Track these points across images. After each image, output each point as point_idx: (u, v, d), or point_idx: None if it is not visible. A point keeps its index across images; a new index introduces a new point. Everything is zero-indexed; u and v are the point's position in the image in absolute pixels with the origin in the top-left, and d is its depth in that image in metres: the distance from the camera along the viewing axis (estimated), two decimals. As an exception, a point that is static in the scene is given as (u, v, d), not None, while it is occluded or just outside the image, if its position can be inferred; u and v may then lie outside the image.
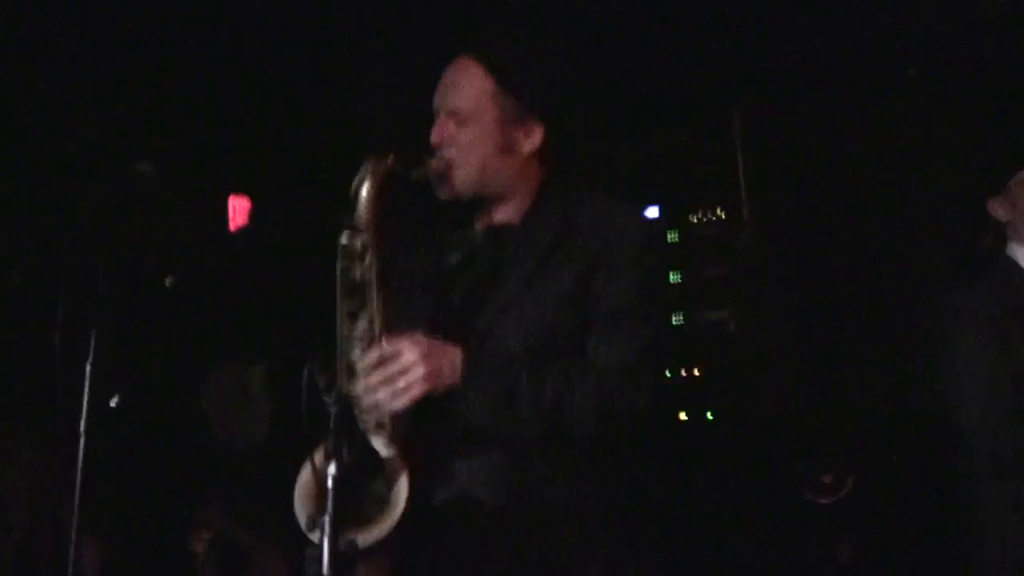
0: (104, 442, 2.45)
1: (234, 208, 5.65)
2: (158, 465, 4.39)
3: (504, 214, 2.59)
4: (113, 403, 2.81)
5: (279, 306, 5.72)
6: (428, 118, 2.59)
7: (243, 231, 5.68)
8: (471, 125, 2.51)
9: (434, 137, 2.54)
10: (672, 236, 4.79)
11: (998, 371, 3.05)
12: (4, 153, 4.56)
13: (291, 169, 5.40)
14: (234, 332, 5.70)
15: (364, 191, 2.39)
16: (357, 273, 2.38)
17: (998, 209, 3.19)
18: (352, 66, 4.55)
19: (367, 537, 2.20)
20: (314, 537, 2.00)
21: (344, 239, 2.39)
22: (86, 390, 2.38)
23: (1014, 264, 3.17)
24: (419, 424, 2.41)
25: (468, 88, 2.52)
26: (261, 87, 4.74)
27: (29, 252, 4.80)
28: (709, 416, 4.68)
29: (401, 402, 2.30)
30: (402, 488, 2.26)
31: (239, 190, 5.65)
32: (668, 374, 4.70)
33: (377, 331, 2.37)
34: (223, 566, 4.01)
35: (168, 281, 5.65)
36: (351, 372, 2.38)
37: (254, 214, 5.67)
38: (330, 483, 2.00)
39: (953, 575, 3.34)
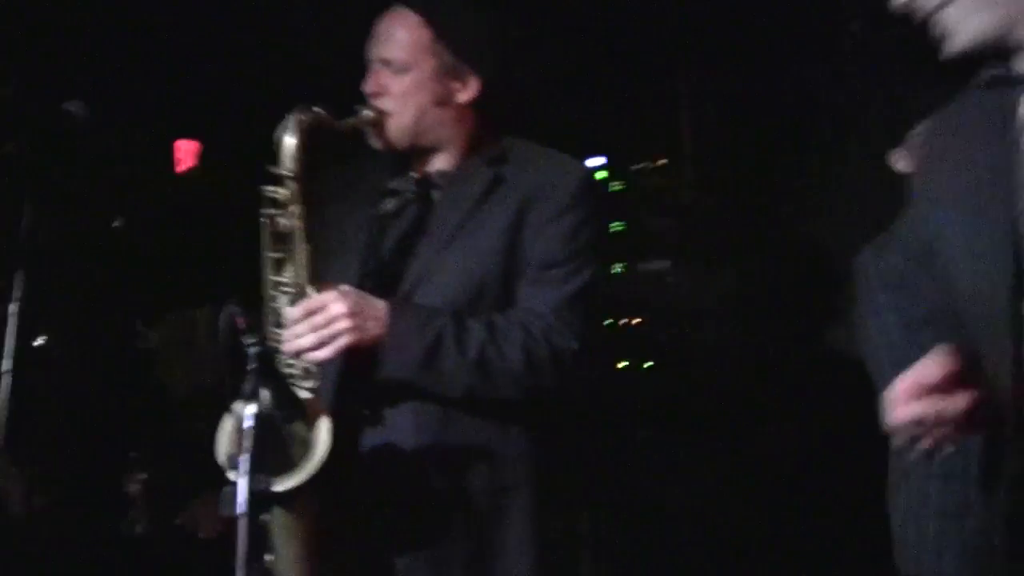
0: (33, 382, 2.46)
1: (181, 150, 5.63)
2: (94, 406, 4.39)
3: (439, 163, 2.60)
4: (38, 343, 2.81)
5: (228, 248, 5.71)
6: (361, 68, 2.59)
7: (191, 173, 5.67)
8: (406, 75, 2.52)
9: (368, 86, 2.54)
10: (616, 186, 4.81)
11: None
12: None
13: (240, 112, 5.37)
14: (182, 274, 5.70)
15: (287, 141, 2.40)
16: (283, 222, 2.40)
17: (899, 162, 3.21)
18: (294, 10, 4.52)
19: (289, 481, 2.22)
20: (233, 476, 2.01)
21: (269, 188, 2.40)
22: (10, 331, 2.39)
23: None
24: (349, 374, 2.44)
25: (404, 38, 2.52)
26: (211, 31, 4.70)
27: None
28: (647, 366, 4.72)
29: (324, 352, 2.33)
30: (323, 434, 2.28)
31: (188, 134, 5.63)
32: (609, 322, 4.75)
33: (303, 280, 2.39)
34: (157, 509, 4.02)
35: (116, 222, 5.65)
36: (276, 319, 2.40)
37: (202, 156, 5.66)
38: (247, 423, 2.02)
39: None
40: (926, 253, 2.14)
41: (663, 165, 4.74)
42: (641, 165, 4.77)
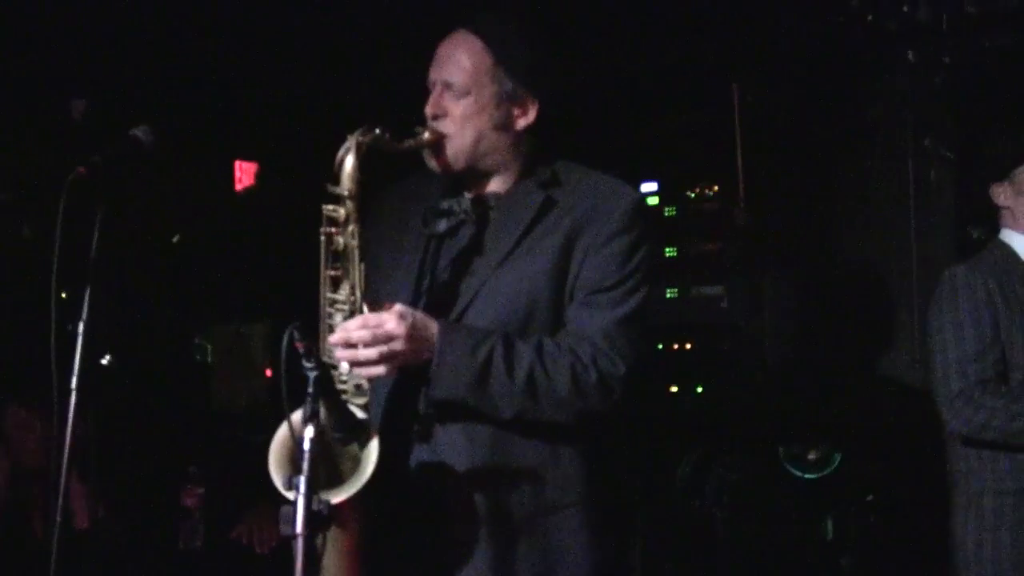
0: (98, 399, 2.52)
1: (240, 169, 5.72)
2: (153, 420, 4.46)
3: (493, 185, 2.62)
4: (105, 362, 2.87)
5: (283, 266, 5.79)
6: (421, 92, 2.63)
7: (249, 192, 5.75)
8: (467, 98, 2.53)
9: (429, 108, 2.56)
10: (669, 211, 4.82)
11: (981, 347, 3.13)
12: (10, 118, 4.63)
13: (297, 134, 5.45)
14: (238, 291, 5.77)
15: (348, 162, 2.44)
16: (340, 241, 2.44)
17: (1000, 195, 3.26)
18: (355, 35, 4.58)
19: (336, 495, 2.26)
20: (291, 496, 2.06)
21: (328, 207, 2.44)
22: (78, 349, 2.44)
23: (1007, 247, 3.25)
24: (401, 391, 2.48)
25: (466, 62, 2.54)
26: (272, 55, 4.78)
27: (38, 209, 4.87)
28: (699, 390, 4.73)
29: (378, 370, 2.35)
30: (372, 452, 2.31)
31: (247, 154, 5.72)
32: (660, 347, 4.76)
33: (359, 298, 2.43)
34: (215, 522, 4.09)
35: (175, 239, 5.74)
36: (330, 341, 2.44)
37: (260, 176, 5.74)
38: (306, 445, 2.07)
39: (937, 552, 3.39)
40: None
41: (716, 190, 4.75)
42: (694, 190, 4.78)
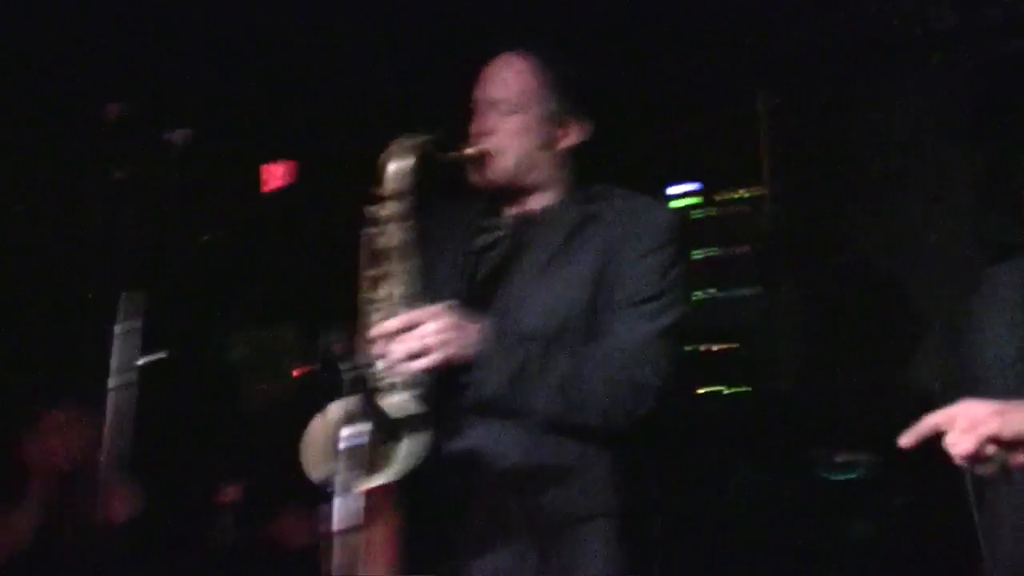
0: (134, 399, 2.56)
1: (268, 172, 5.75)
2: (187, 419, 4.49)
3: (532, 203, 2.67)
4: (142, 362, 2.89)
5: (310, 267, 5.82)
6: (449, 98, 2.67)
7: (277, 194, 5.78)
8: (514, 117, 2.59)
9: (475, 126, 2.61)
10: (706, 212, 4.83)
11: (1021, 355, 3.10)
12: (44, 121, 4.67)
13: (328, 137, 5.47)
14: (265, 293, 5.80)
15: (392, 165, 2.48)
16: (381, 241, 2.47)
17: None
18: (392, 40, 4.61)
19: (369, 482, 2.28)
20: (327, 492, 2.09)
21: (370, 208, 2.48)
22: (115, 350, 2.48)
23: None
24: (435, 391, 2.51)
25: (514, 82, 2.60)
26: (303, 55, 4.81)
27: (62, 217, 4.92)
28: (727, 391, 4.73)
29: (423, 362, 2.38)
30: (409, 447, 2.34)
31: (276, 155, 5.75)
32: (689, 348, 4.76)
33: (398, 298, 2.46)
34: (249, 518, 4.11)
35: (203, 240, 5.78)
36: (370, 336, 2.47)
37: (289, 178, 5.77)
38: (343, 444, 2.10)
39: (969, 556, 3.38)
40: None
41: (753, 191, 4.76)
42: (732, 192, 4.79)
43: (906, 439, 2.20)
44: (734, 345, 4.77)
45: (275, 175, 5.69)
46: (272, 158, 5.65)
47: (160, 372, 4.62)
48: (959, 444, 2.10)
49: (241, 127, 5.13)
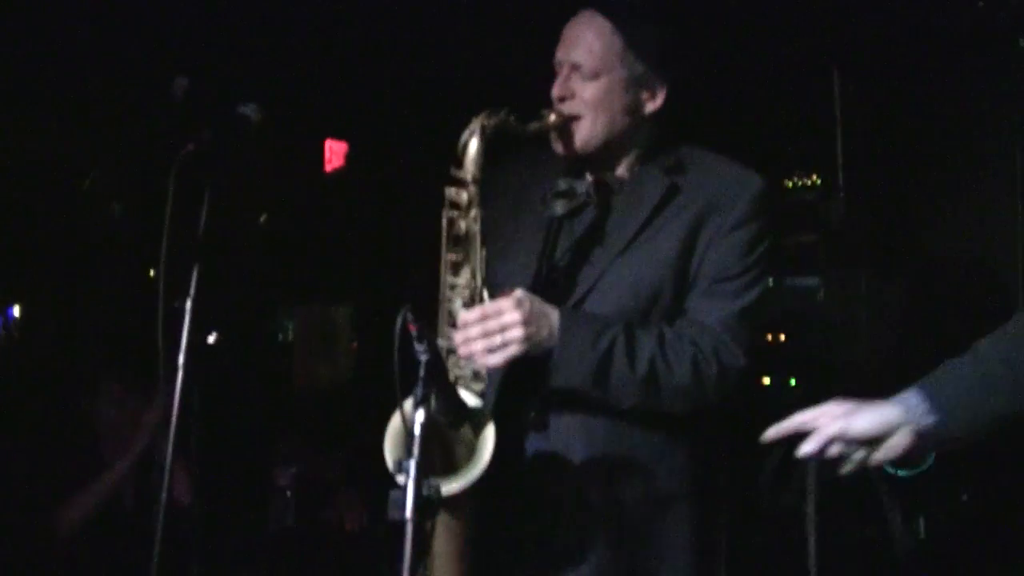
0: (199, 378, 2.52)
1: (331, 150, 5.73)
2: (247, 400, 4.48)
3: (616, 170, 2.58)
4: (211, 339, 2.88)
5: (368, 248, 5.80)
6: (540, 72, 2.59)
7: (338, 173, 5.76)
8: (597, 81, 2.49)
9: (556, 90, 2.52)
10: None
11: None
12: (119, 95, 4.67)
13: (388, 115, 5.44)
14: (323, 271, 5.79)
15: (473, 145, 2.41)
16: (462, 225, 2.41)
17: None
18: (457, 15, 4.55)
19: (452, 484, 2.25)
20: (400, 480, 2.03)
21: (451, 190, 2.41)
22: (185, 326, 2.44)
23: None
24: (517, 379, 2.46)
25: (597, 44, 2.49)
26: (366, 34, 4.76)
27: (133, 188, 4.92)
28: (792, 383, 4.67)
29: (497, 358, 2.32)
30: (488, 439, 2.30)
31: (337, 134, 5.73)
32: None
33: (479, 284, 2.40)
34: (306, 501, 4.10)
35: (262, 218, 5.77)
36: (451, 322, 2.42)
37: (350, 157, 5.75)
38: (417, 430, 2.04)
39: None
40: None
41: (815, 181, 4.67)
42: (792, 180, 4.70)
43: (770, 434, 2.19)
44: (803, 335, 4.70)
45: (338, 153, 5.67)
46: (336, 135, 5.62)
47: (218, 351, 4.63)
48: (806, 444, 2.16)
49: (306, 103, 5.10)
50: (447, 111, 2.75)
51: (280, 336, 5.91)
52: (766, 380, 4.69)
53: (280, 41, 4.71)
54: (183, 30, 4.38)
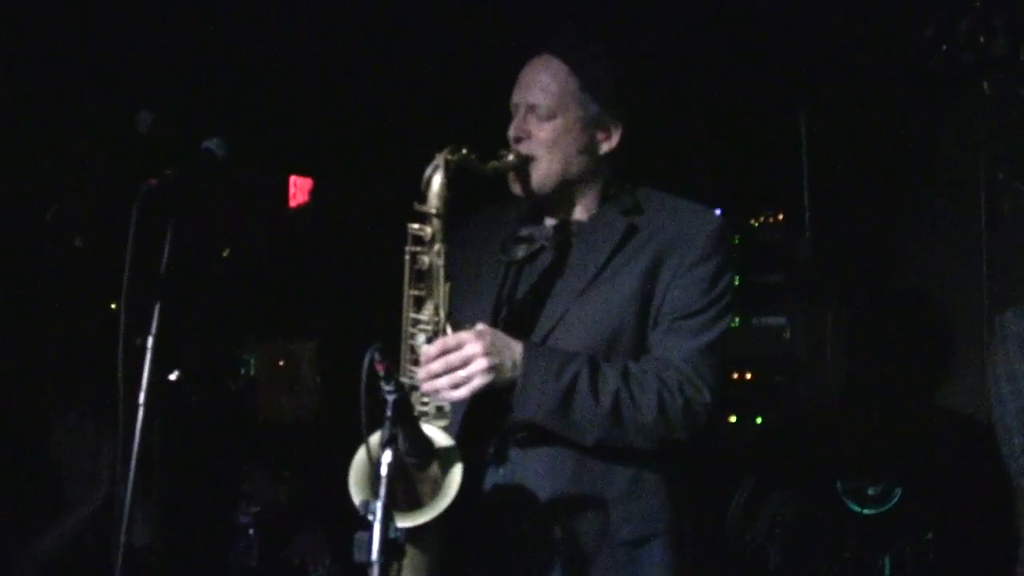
0: (161, 416, 2.48)
1: (295, 186, 5.70)
2: (209, 438, 4.43)
3: (573, 211, 2.60)
4: (173, 377, 2.84)
5: (333, 284, 5.77)
6: (496, 114, 2.60)
7: (302, 209, 5.73)
8: (553, 122, 2.51)
9: (514, 131, 2.54)
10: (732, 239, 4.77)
11: None
12: (78, 130, 4.62)
13: (353, 151, 5.42)
14: (287, 306, 5.75)
15: (437, 180, 2.40)
16: (425, 260, 2.40)
17: None
18: (421, 56, 4.56)
19: (416, 519, 2.22)
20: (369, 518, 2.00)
21: (414, 226, 2.40)
22: (147, 363, 2.40)
23: None
24: (479, 412, 2.43)
25: (552, 85, 2.52)
26: (332, 71, 4.76)
27: (95, 221, 4.87)
28: (758, 421, 4.66)
29: (461, 392, 2.31)
30: (455, 475, 2.27)
31: (302, 170, 5.70)
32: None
33: (442, 319, 2.39)
34: (268, 539, 4.05)
35: (225, 252, 5.72)
36: (414, 357, 2.40)
37: (314, 194, 5.72)
38: (384, 471, 2.01)
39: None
40: None
41: (781, 219, 4.68)
42: (758, 219, 4.71)
43: None
44: (769, 373, 4.70)
45: (303, 189, 5.64)
46: (300, 171, 5.60)
47: (180, 388, 4.57)
48: None
49: (271, 139, 5.07)
50: (411, 149, 2.75)
51: (243, 371, 5.85)
52: (732, 418, 4.68)
53: (247, 77, 4.69)
54: (150, 64, 4.36)
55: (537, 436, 2.40)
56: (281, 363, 5.79)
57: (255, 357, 5.80)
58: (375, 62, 4.71)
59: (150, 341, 2.43)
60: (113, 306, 4.47)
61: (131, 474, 2.36)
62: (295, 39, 4.53)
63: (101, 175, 4.91)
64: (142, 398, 2.38)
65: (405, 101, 4.93)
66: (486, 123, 2.70)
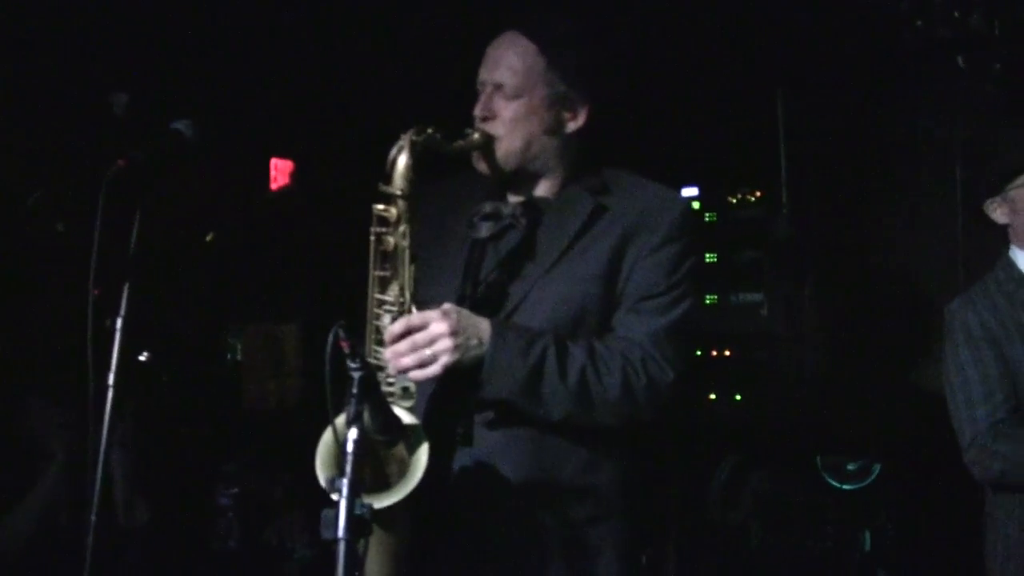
0: (136, 396, 2.48)
1: (276, 168, 5.70)
2: (188, 419, 4.43)
3: (540, 189, 2.59)
4: (143, 358, 2.83)
5: (316, 266, 5.77)
6: (467, 91, 2.59)
7: (284, 191, 5.73)
8: (519, 100, 2.50)
9: (479, 109, 2.52)
10: (710, 216, 4.78)
11: (986, 388, 2.89)
12: (54, 112, 4.61)
13: (334, 133, 5.42)
14: (271, 290, 5.76)
15: (401, 161, 2.40)
16: (390, 241, 2.40)
17: (996, 211, 3.02)
18: (397, 33, 4.55)
19: (384, 500, 2.22)
20: (334, 498, 2.01)
21: (379, 207, 2.40)
22: (116, 344, 2.40)
23: (1012, 267, 2.99)
24: (444, 393, 2.44)
25: (518, 64, 2.50)
26: (310, 53, 4.75)
27: (73, 205, 4.86)
28: (738, 398, 4.68)
29: (428, 371, 2.32)
30: (422, 455, 2.27)
31: (283, 152, 5.70)
32: (699, 354, 4.71)
33: (407, 299, 2.39)
34: (248, 520, 4.06)
35: (208, 237, 5.73)
36: (379, 338, 2.40)
37: (296, 176, 5.72)
38: (350, 447, 2.02)
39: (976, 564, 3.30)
40: None
41: (758, 197, 4.69)
42: (736, 196, 4.72)
43: None
44: (747, 350, 4.72)
45: (284, 171, 5.64)
46: (281, 153, 5.59)
47: (160, 370, 4.57)
48: None
49: (249, 121, 5.07)
50: (387, 130, 2.74)
51: (229, 356, 5.86)
52: (712, 396, 4.70)
53: (227, 59, 4.69)
54: (130, 47, 4.35)
55: (501, 415, 2.41)
56: (266, 346, 5.80)
57: (241, 342, 5.81)
58: (354, 44, 4.71)
59: (119, 323, 2.43)
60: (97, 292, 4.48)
61: (100, 455, 2.37)
62: (276, 22, 4.52)
63: (82, 159, 4.90)
64: (111, 379, 2.39)
65: (385, 82, 4.93)
66: (469, 101, 2.68)
